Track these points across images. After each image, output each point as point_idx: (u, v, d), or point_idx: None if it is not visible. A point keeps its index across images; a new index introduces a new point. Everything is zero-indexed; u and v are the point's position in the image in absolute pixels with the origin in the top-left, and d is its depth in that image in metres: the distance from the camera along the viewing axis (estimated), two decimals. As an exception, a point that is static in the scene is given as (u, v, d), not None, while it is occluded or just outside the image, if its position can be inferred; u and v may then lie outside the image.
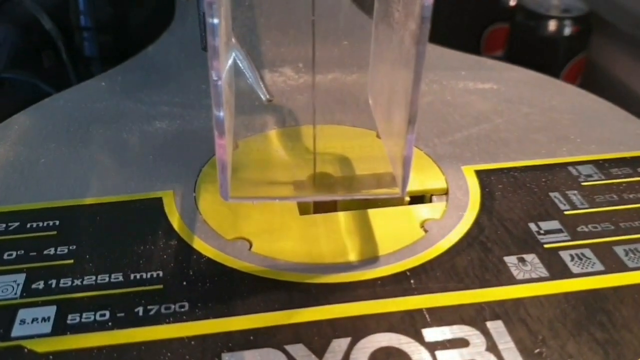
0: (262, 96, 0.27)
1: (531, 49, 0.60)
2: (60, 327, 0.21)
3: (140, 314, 0.21)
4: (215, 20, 0.19)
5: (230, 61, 0.24)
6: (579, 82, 0.60)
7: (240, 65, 0.27)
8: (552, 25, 0.59)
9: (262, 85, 0.27)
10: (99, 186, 0.27)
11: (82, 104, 0.34)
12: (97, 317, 0.21)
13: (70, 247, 0.24)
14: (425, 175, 0.28)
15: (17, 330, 0.21)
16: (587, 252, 0.24)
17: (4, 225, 0.25)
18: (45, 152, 0.30)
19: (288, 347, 0.20)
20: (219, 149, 0.21)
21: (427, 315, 0.21)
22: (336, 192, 0.27)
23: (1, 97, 0.47)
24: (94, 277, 0.23)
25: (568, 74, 0.59)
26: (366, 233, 0.25)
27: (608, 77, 0.60)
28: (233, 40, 0.26)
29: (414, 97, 0.20)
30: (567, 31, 0.59)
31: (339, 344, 0.20)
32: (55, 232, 0.25)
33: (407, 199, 0.28)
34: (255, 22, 0.34)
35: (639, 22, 0.55)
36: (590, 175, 0.29)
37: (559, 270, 0.23)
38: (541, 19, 0.59)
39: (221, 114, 0.20)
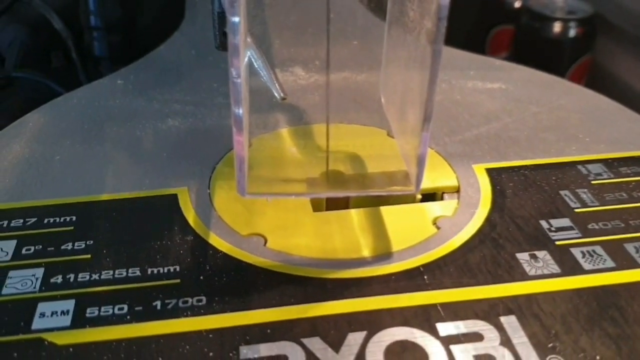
0: (276, 94, 0.27)
1: (536, 51, 0.60)
2: (79, 320, 0.21)
3: (159, 307, 0.22)
4: (236, 19, 0.19)
5: (245, 59, 0.25)
6: (584, 83, 0.60)
7: (255, 63, 0.27)
8: (557, 26, 0.60)
9: (276, 84, 0.27)
10: (114, 183, 0.28)
11: (96, 102, 0.34)
12: (116, 311, 0.22)
13: (88, 242, 0.25)
14: (436, 173, 0.29)
15: (37, 323, 0.21)
16: (598, 249, 0.25)
17: (21, 221, 0.26)
18: (60, 149, 0.30)
19: (305, 340, 0.20)
20: (237, 145, 0.21)
21: (441, 310, 0.22)
22: (350, 189, 0.27)
23: (11, 97, 0.47)
24: (111, 272, 0.23)
25: (573, 75, 0.60)
26: (379, 230, 0.26)
27: (613, 78, 0.61)
28: (248, 39, 0.26)
29: (430, 95, 0.21)
30: (572, 33, 0.59)
31: (355, 338, 0.21)
32: (72, 228, 0.25)
33: (419, 196, 0.28)
34: (267, 22, 0.35)
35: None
36: (599, 174, 0.29)
37: (570, 267, 0.24)
38: (546, 20, 0.59)
39: (240, 111, 0.21)
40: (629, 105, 0.35)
